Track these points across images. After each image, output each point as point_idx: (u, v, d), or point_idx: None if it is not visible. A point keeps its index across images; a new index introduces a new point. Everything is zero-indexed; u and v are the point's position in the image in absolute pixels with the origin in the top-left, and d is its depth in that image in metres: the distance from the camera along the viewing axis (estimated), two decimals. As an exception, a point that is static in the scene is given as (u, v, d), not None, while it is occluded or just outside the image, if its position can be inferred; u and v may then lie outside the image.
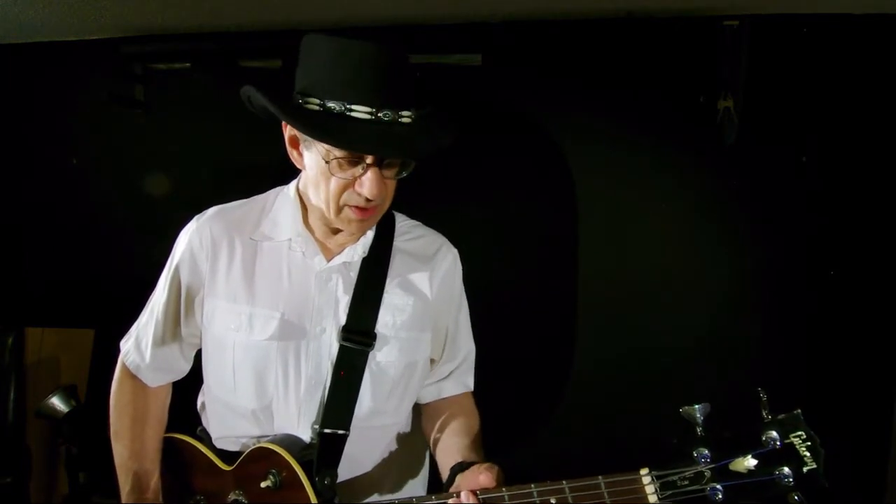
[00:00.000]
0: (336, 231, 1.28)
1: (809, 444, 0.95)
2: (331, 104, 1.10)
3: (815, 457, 0.95)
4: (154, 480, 1.35)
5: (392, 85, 1.12)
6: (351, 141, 1.10)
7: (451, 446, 1.28)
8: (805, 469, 0.94)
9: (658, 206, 2.18)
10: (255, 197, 1.38)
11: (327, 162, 1.14)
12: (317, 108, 1.12)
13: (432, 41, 2.15)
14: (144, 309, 1.41)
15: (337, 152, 1.13)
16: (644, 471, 1.00)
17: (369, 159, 1.13)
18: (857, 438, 2.11)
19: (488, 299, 2.06)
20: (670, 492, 0.98)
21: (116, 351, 1.47)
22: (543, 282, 2.24)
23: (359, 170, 1.14)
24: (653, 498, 0.98)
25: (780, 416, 0.97)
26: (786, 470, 0.94)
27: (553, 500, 1.02)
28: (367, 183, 1.13)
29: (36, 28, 2.20)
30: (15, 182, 2.47)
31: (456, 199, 2.20)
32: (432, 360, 1.41)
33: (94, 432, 2.18)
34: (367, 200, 1.16)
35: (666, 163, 2.15)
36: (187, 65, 2.29)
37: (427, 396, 1.41)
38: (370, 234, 1.31)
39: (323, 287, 1.27)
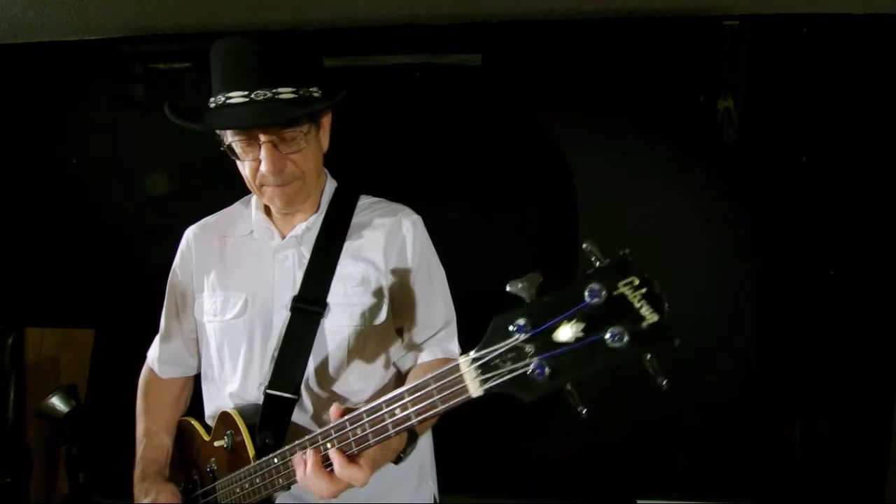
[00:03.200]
0: (290, 215, 1.39)
1: (644, 290, 0.73)
2: (218, 98, 1.24)
3: (654, 306, 0.73)
4: (163, 457, 1.46)
5: (265, 67, 1.22)
6: (206, 121, 1.24)
7: None
8: (645, 324, 0.73)
9: (658, 205, 2.18)
10: (232, 205, 1.53)
11: (222, 149, 1.27)
12: (212, 105, 1.25)
13: (432, 41, 2.15)
14: None
15: (228, 137, 1.26)
16: (462, 357, 0.86)
17: (262, 138, 1.22)
18: (857, 438, 2.11)
19: (487, 299, 2.06)
20: (492, 375, 0.82)
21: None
22: (543, 281, 2.24)
23: (257, 150, 1.24)
24: (474, 386, 0.85)
25: (605, 262, 0.76)
26: (617, 328, 0.73)
27: (398, 411, 0.95)
28: (263, 160, 1.24)
29: (36, 28, 2.20)
30: (15, 182, 2.47)
31: (455, 198, 2.20)
32: (402, 330, 1.41)
33: (94, 432, 2.19)
34: (274, 177, 1.25)
35: (666, 163, 2.16)
36: (187, 65, 2.29)
37: (405, 365, 1.41)
38: (321, 211, 1.40)
39: (280, 265, 1.37)
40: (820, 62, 2.04)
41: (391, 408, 0.95)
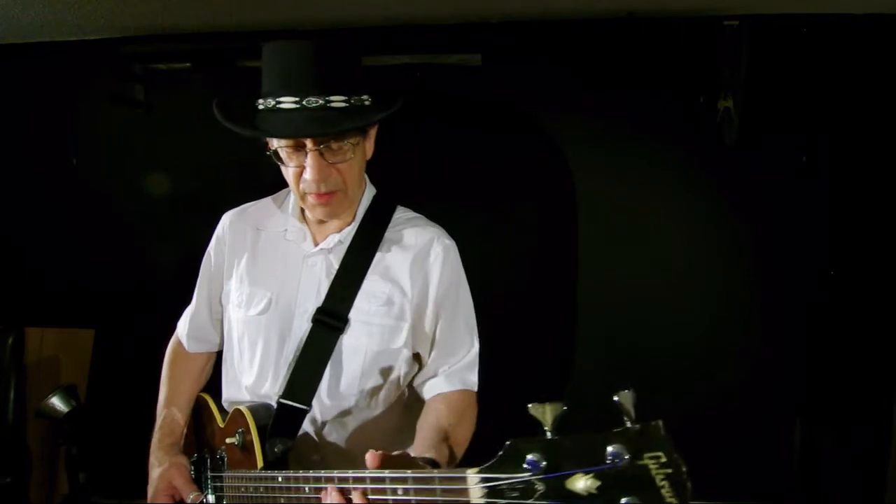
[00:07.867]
0: (325, 221, 1.38)
1: (670, 470, 0.70)
2: (268, 101, 1.22)
3: (676, 490, 0.69)
4: (180, 426, 1.49)
5: (319, 74, 1.20)
6: (257, 127, 1.23)
7: (416, 441, 1.26)
8: None
9: (658, 206, 2.18)
10: (272, 196, 1.53)
11: (268, 153, 1.27)
12: (261, 107, 1.24)
13: (432, 41, 2.15)
14: None
15: (275, 143, 1.25)
16: (472, 471, 0.87)
17: (308, 145, 1.21)
18: (857, 438, 2.11)
19: (488, 299, 2.06)
20: (498, 501, 0.83)
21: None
22: (543, 282, 2.24)
23: (303, 157, 1.23)
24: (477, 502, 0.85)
25: (636, 427, 0.72)
26: (632, 499, 0.70)
27: (400, 490, 0.95)
28: (308, 168, 1.23)
29: (36, 28, 2.19)
30: (15, 182, 2.47)
31: (456, 198, 2.20)
32: (419, 355, 1.41)
33: (94, 432, 2.19)
34: (318, 185, 1.24)
35: (666, 163, 2.16)
36: (187, 65, 2.28)
37: (425, 393, 1.40)
38: (355, 223, 1.39)
39: (308, 270, 1.37)
40: (820, 62, 2.04)
41: (394, 486, 0.96)
